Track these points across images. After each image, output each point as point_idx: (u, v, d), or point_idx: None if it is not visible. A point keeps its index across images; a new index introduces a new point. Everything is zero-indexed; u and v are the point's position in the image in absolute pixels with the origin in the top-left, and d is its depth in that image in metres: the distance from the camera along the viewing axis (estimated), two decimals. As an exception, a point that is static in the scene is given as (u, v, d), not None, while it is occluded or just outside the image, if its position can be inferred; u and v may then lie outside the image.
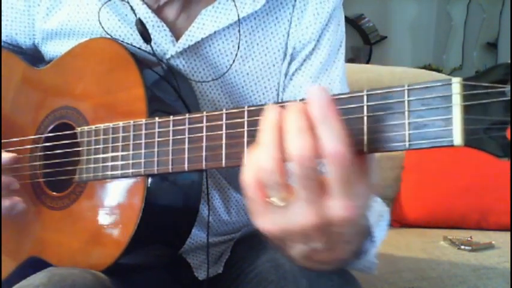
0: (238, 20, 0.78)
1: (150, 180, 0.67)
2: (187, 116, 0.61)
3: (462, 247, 1.40)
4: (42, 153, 0.79)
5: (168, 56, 0.80)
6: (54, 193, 0.77)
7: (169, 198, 0.73)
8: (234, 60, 0.80)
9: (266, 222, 0.50)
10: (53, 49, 0.86)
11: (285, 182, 0.47)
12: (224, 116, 0.57)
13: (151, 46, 0.77)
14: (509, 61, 0.45)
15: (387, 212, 0.69)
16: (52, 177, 0.78)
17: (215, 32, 0.79)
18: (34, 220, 0.78)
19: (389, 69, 1.93)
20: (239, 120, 0.55)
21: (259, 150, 0.48)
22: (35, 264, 0.73)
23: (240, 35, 0.80)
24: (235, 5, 0.78)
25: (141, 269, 0.78)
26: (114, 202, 0.70)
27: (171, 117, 0.62)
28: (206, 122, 0.59)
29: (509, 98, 0.43)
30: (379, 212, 0.66)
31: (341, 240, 0.50)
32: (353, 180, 0.46)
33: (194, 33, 0.79)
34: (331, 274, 0.65)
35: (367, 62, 4.20)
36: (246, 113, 0.55)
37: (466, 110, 0.44)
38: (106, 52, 0.75)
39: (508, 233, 1.46)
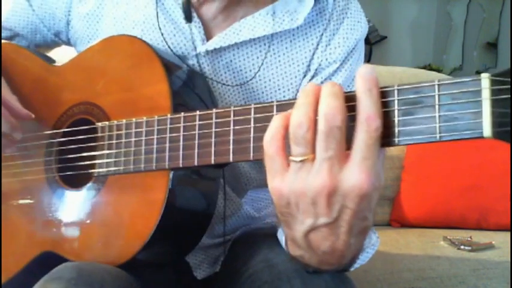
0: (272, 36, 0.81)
1: (171, 175, 0.67)
2: (214, 110, 0.62)
3: (462, 247, 1.40)
4: (58, 148, 0.79)
5: (194, 53, 0.81)
6: (72, 188, 0.76)
7: (189, 196, 0.74)
8: (259, 68, 0.82)
9: (281, 181, 0.51)
10: (82, 30, 0.88)
11: (311, 140, 0.49)
12: (252, 110, 0.58)
13: (190, 28, 0.79)
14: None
15: (378, 243, 0.73)
16: (69, 171, 0.78)
17: (248, 40, 0.80)
18: (48, 215, 0.78)
19: (389, 69, 1.93)
20: (268, 114, 0.57)
21: (294, 109, 0.51)
22: (46, 260, 0.73)
23: (269, 47, 0.82)
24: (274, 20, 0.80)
25: (150, 266, 0.78)
26: (135, 196, 0.70)
27: (197, 112, 0.63)
28: (234, 116, 0.60)
29: None
30: (373, 241, 0.71)
31: (346, 221, 0.51)
32: (375, 153, 0.48)
33: (229, 37, 0.80)
34: (325, 274, 0.65)
35: (367, 62, 4.20)
36: (275, 107, 0.57)
37: (494, 104, 0.46)
38: (128, 49, 0.76)
39: (508, 233, 1.46)
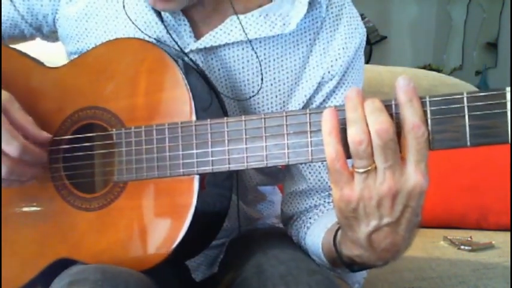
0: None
1: (198, 179, 0.68)
2: (243, 118, 0.64)
3: (462, 247, 1.39)
4: (68, 155, 0.76)
5: (187, 50, 0.80)
6: (86, 194, 0.74)
7: (210, 198, 0.73)
8: (250, 72, 0.81)
9: (350, 190, 0.57)
10: (70, 29, 0.86)
11: (371, 151, 0.55)
12: (285, 118, 0.61)
13: (174, 40, 0.78)
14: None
15: None
16: (80, 178, 0.76)
17: (240, 41, 0.80)
18: (60, 222, 0.75)
19: (389, 69, 1.93)
20: (303, 121, 0.61)
21: (349, 126, 0.55)
22: (59, 268, 0.71)
23: (257, 51, 0.81)
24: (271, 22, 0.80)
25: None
26: (161, 201, 0.70)
27: (226, 119, 0.65)
28: (265, 124, 0.62)
29: None
30: None
31: (407, 218, 0.58)
32: (425, 155, 0.55)
33: (220, 35, 0.79)
34: (312, 281, 0.67)
35: (367, 62, 4.19)
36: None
37: None
38: (139, 52, 0.74)
39: (508, 233, 1.46)
